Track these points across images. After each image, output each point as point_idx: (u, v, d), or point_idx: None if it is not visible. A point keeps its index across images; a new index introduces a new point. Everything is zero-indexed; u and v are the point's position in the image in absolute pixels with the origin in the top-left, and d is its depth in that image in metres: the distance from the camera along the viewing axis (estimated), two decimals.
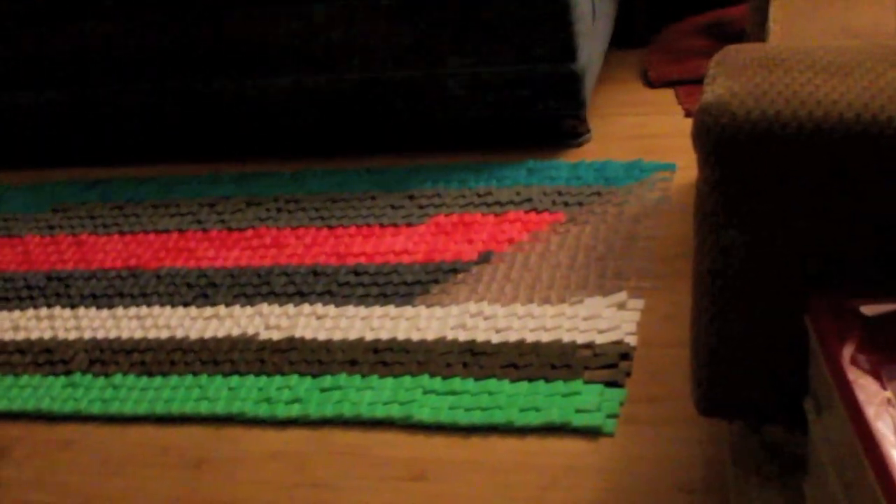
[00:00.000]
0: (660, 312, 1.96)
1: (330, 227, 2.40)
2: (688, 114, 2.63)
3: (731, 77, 1.24)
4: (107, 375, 2.09)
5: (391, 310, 2.08)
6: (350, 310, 2.10)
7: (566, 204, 2.30)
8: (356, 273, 2.21)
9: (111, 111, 2.88)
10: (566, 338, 1.91)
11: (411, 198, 2.44)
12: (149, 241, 2.51)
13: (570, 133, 2.56)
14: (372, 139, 2.74)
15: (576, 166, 2.45)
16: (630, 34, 3.12)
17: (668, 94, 2.78)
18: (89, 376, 2.10)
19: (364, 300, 2.12)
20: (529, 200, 2.33)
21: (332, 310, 2.11)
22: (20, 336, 2.27)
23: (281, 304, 2.16)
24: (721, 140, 1.21)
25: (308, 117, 2.72)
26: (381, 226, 2.36)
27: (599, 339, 1.89)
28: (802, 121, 1.17)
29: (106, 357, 2.13)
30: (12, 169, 3.07)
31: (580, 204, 2.29)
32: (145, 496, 1.80)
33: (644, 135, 2.59)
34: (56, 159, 3.04)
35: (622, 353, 1.86)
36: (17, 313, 2.36)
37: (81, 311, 2.30)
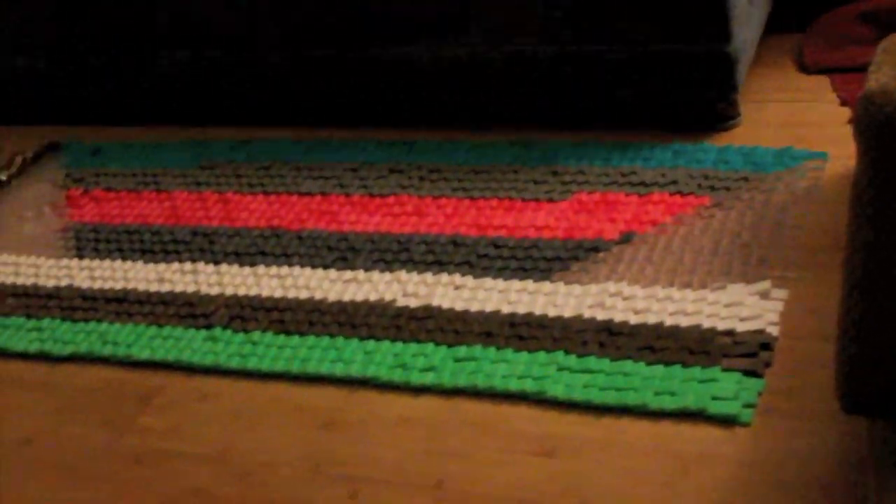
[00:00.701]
0: (804, 304, 1.91)
1: (472, 199, 2.40)
2: (843, 102, 2.56)
3: None
4: (246, 331, 2.13)
5: (529, 284, 2.07)
6: (488, 282, 2.10)
7: (712, 188, 2.26)
8: (496, 245, 2.20)
9: (263, 73, 2.93)
10: (706, 323, 1.88)
11: (555, 173, 2.42)
12: (292, 202, 2.55)
13: (720, 116, 2.51)
14: (517, 113, 2.72)
15: (724, 150, 2.40)
16: (787, 18, 3.05)
17: (823, 82, 2.70)
18: (229, 331, 2.14)
19: (502, 273, 2.12)
20: (675, 182, 2.30)
21: (470, 280, 2.12)
22: (164, 288, 2.33)
23: (419, 272, 2.17)
24: (884, 129, 1.17)
25: (454, 89, 2.72)
26: (523, 200, 2.35)
27: (740, 327, 1.86)
28: None
29: (246, 313, 2.17)
30: (164, 125, 3.14)
31: (727, 189, 2.24)
32: (278, 451, 1.84)
33: (796, 122, 2.52)
34: (207, 118, 3.10)
35: (763, 343, 1.82)
36: (162, 266, 2.41)
37: (224, 267, 2.35)
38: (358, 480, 1.74)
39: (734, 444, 1.66)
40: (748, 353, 1.80)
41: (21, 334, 2.30)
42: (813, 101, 2.62)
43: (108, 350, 2.17)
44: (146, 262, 2.45)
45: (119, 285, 2.38)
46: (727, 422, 1.70)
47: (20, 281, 2.49)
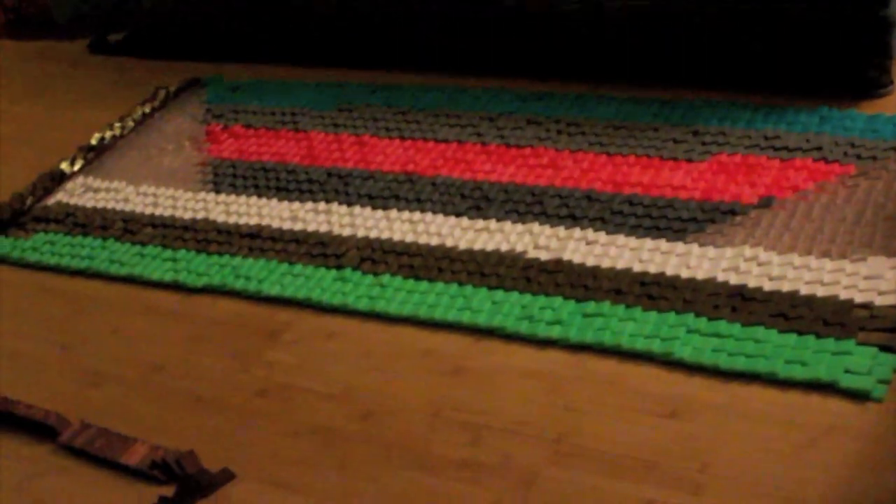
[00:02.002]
0: None
1: (609, 155, 2.36)
2: None
3: None
4: (376, 274, 2.14)
5: (662, 244, 2.04)
6: (620, 239, 2.08)
7: (859, 157, 2.19)
8: (631, 203, 2.18)
9: (404, 18, 2.93)
10: (843, 295, 1.83)
11: (695, 133, 2.37)
12: (428, 148, 2.55)
13: (872, 83, 2.43)
14: (661, 70, 2.67)
15: (873, 118, 2.32)
16: None
17: None
18: (359, 273, 2.16)
19: (636, 231, 2.09)
20: (819, 149, 2.23)
21: (602, 237, 2.09)
22: (297, 226, 2.36)
23: (552, 226, 2.16)
24: None
25: (599, 41, 2.69)
26: (662, 158, 2.31)
27: (879, 301, 1.80)
28: None
29: (376, 256, 2.19)
30: (305, 66, 3.17)
31: (874, 158, 2.17)
32: (402, 394, 1.85)
33: None
34: (346, 60, 3.11)
35: None
36: (296, 204, 2.44)
37: (357, 209, 2.36)
38: (479, 428, 1.74)
39: (865, 420, 1.62)
40: (886, 327, 1.75)
41: (157, 263, 2.35)
42: None
43: (240, 284, 2.21)
44: (280, 199, 2.47)
45: (253, 221, 2.41)
46: (859, 396, 1.65)
47: (158, 211, 2.55)
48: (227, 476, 1.76)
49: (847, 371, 1.68)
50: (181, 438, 1.86)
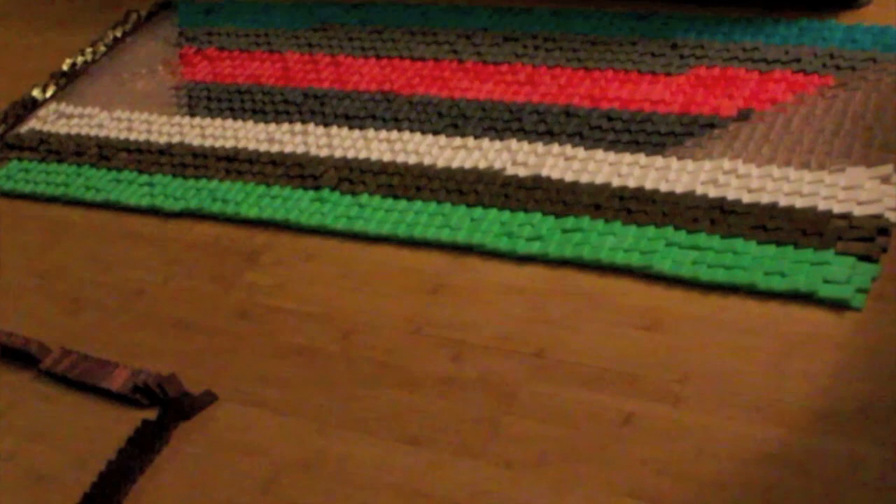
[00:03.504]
0: None
1: (586, 69, 2.34)
2: None
3: None
4: (354, 194, 2.13)
5: (641, 158, 2.03)
6: (599, 154, 2.07)
7: (837, 67, 2.17)
8: (609, 118, 2.16)
9: None
10: (822, 205, 1.83)
11: (673, 46, 2.35)
12: (404, 67, 2.52)
13: None
14: None
15: (852, 29, 2.31)
16: None
17: None
18: (337, 193, 2.15)
19: (614, 146, 2.08)
20: (798, 60, 2.22)
21: (580, 152, 2.08)
22: (274, 148, 2.34)
23: (530, 142, 2.14)
24: None
25: None
26: (640, 72, 2.29)
27: (857, 211, 1.80)
28: None
29: (354, 176, 2.17)
30: None
31: (852, 69, 2.16)
32: (382, 312, 1.85)
33: None
34: None
35: (880, 228, 1.76)
36: (272, 126, 2.42)
37: (334, 129, 2.34)
38: (460, 345, 1.74)
39: (843, 329, 1.62)
40: (864, 237, 1.75)
41: (133, 189, 2.34)
42: None
43: (217, 207, 2.20)
44: (257, 121, 2.45)
45: (230, 144, 2.39)
46: (838, 306, 1.66)
47: (133, 136, 2.53)
48: (209, 398, 1.77)
49: (826, 281, 1.69)
50: (163, 362, 1.86)
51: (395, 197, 2.09)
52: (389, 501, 1.53)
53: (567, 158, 2.08)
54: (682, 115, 2.12)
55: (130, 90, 2.74)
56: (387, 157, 2.20)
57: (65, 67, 2.87)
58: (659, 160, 2.01)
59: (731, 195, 1.89)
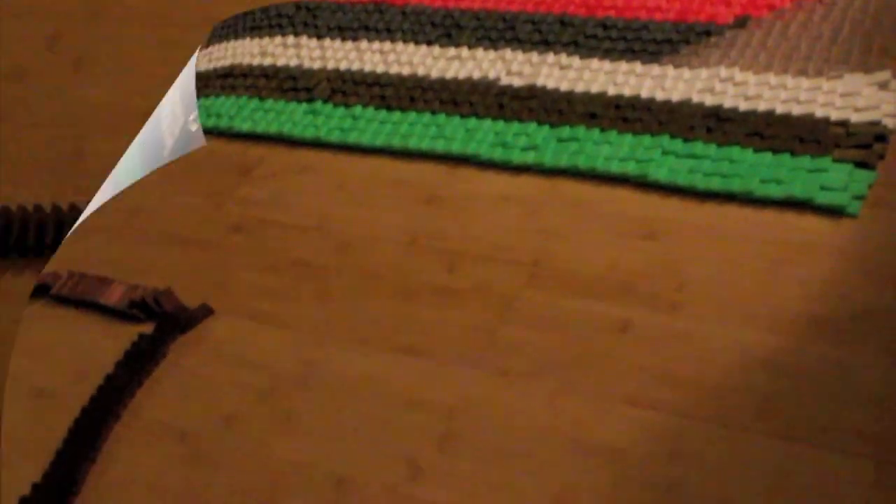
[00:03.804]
0: None
1: None
2: None
3: None
4: (347, 106, 2.11)
5: (637, 66, 2.01)
6: (594, 63, 2.05)
7: None
8: (604, 26, 2.14)
9: None
10: (819, 112, 1.82)
11: None
12: None
13: None
14: None
15: None
16: None
17: None
18: (330, 105, 2.13)
19: (610, 54, 2.06)
20: None
21: (576, 61, 2.06)
22: (267, 62, 2.31)
23: (524, 51, 2.12)
24: None
25: None
26: None
27: (855, 118, 1.79)
28: None
29: (347, 88, 2.16)
30: None
31: None
32: (378, 223, 1.84)
33: None
34: None
35: (878, 135, 1.75)
36: (265, 40, 2.39)
37: (327, 41, 2.32)
38: (455, 255, 1.74)
39: (840, 236, 1.62)
40: (862, 144, 1.74)
41: None
42: None
43: (211, 122, 2.18)
44: (252, 37, 2.43)
45: (224, 61, 2.37)
46: (834, 212, 1.65)
47: None
48: (205, 311, 1.77)
49: (823, 188, 1.68)
50: (159, 277, 1.86)
51: (389, 108, 2.07)
52: (386, 411, 1.53)
53: (562, 68, 2.06)
54: (678, 23, 2.10)
55: None
56: (380, 69, 2.18)
57: None
58: (655, 68, 2.00)
59: (727, 103, 1.88)
